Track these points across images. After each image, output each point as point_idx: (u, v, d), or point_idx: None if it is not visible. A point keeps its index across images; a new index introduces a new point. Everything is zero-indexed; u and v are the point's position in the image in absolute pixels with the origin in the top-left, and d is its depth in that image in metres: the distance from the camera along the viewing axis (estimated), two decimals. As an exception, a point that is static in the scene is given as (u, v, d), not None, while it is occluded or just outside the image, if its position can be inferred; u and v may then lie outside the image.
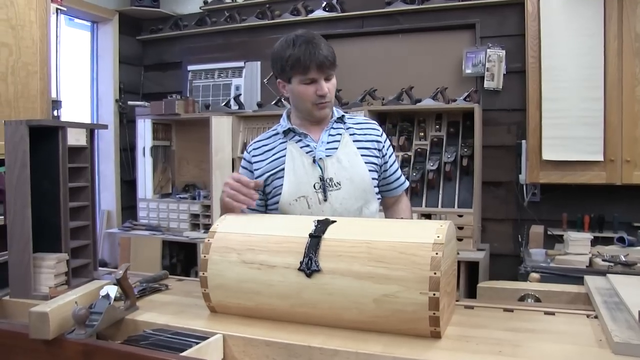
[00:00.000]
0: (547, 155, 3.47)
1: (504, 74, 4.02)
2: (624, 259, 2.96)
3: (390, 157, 2.02)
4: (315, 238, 1.45)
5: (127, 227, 4.68)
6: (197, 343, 1.31)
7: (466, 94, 3.95)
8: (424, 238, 1.36)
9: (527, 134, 3.59)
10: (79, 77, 5.00)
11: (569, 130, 3.42)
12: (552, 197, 3.86)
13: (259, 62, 4.73)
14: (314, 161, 1.84)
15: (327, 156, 1.85)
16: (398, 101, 4.12)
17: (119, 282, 1.53)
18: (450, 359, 1.25)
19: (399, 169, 2.08)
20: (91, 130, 2.04)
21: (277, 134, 1.93)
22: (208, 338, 1.35)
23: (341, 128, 1.93)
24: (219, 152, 4.39)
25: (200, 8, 5.05)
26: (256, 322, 1.49)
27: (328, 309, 1.41)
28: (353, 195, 1.85)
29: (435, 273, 1.29)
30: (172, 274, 2.16)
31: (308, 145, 1.87)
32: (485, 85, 4.05)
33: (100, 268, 2.13)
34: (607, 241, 3.47)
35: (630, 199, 3.65)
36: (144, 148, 4.74)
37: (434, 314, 1.29)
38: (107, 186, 5.08)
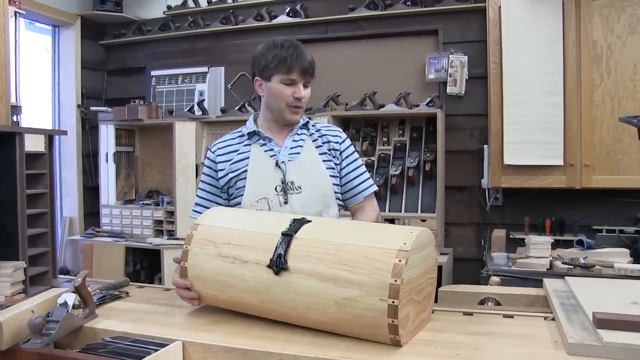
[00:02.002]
0: (508, 159, 3.52)
1: (466, 80, 4.07)
2: (582, 262, 3.02)
3: (351, 162, 2.02)
4: (287, 236, 1.48)
5: (90, 234, 4.59)
6: (156, 350, 1.29)
7: (429, 99, 3.99)
8: (390, 244, 1.35)
9: (489, 138, 3.64)
10: (39, 82, 4.89)
11: (530, 135, 3.47)
12: (514, 201, 3.93)
13: (222, 68, 4.71)
14: (277, 164, 1.89)
15: (289, 160, 1.90)
16: (361, 106, 4.13)
17: (77, 290, 1.50)
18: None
19: (364, 174, 2.06)
20: (50, 136, 2.00)
21: (242, 135, 1.96)
22: (167, 345, 1.33)
23: (304, 134, 1.97)
24: (183, 157, 4.35)
25: (164, 13, 5.00)
26: (216, 329, 1.48)
27: (294, 307, 1.42)
28: (313, 199, 1.90)
29: (395, 280, 1.29)
30: (136, 280, 2.14)
31: (272, 150, 1.91)
32: (447, 91, 4.10)
33: (61, 276, 2.09)
34: (568, 244, 3.53)
35: (589, 202, 3.73)
36: (106, 154, 4.66)
37: (393, 321, 1.29)
38: (69, 192, 4.97)
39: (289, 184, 1.88)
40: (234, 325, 1.52)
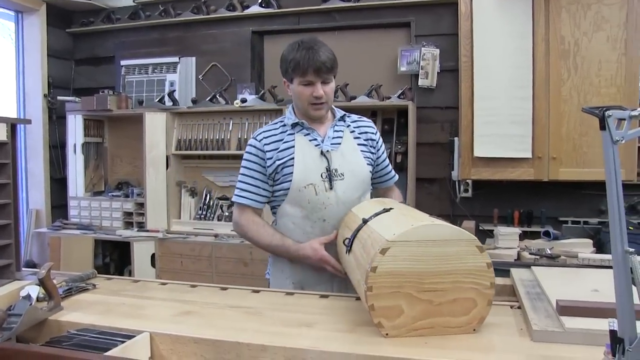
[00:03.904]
0: (478, 152, 3.56)
1: (437, 72, 4.10)
2: (548, 252, 3.08)
3: (382, 152, 2.19)
4: (363, 223, 1.64)
5: (57, 226, 4.51)
6: (123, 342, 1.28)
7: (400, 91, 4.01)
8: (389, 233, 1.36)
9: (460, 131, 3.67)
10: (2, 70, 4.76)
11: (500, 128, 3.52)
12: (484, 193, 3.98)
13: (194, 58, 4.65)
14: (322, 153, 1.99)
15: (332, 149, 2.01)
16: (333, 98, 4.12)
17: (41, 282, 1.47)
18: (375, 351, 1.26)
19: (389, 163, 2.25)
20: (13, 125, 1.94)
21: (284, 125, 2.06)
22: (134, 337, 1.32)
23: (342, 126, 2.09)
24: (153, 149, 4.30)
25: (133, 1, 4.91)
26: (185, 320, 1.47)
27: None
28: (354, 186, 2.03)
29: (370, 269, 1.31)
30: (106, 273, 2.11)
31: (315, 139, 2.01)
32: (419, 83, 4.12)
33: (26, 269, 2.04)
34: (535, 235, 3.60)
35: (556, 194, 3.80)
36: (74, 145, 4.57)
37: (369, 308, 1.32)
38: (35, 184, 4.87)
39: (334, 171, 1.99)
40: (203, 316, 1.52)
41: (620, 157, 3.17)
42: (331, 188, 1.98)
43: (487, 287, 1.35)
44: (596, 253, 3.09)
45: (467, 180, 3.86)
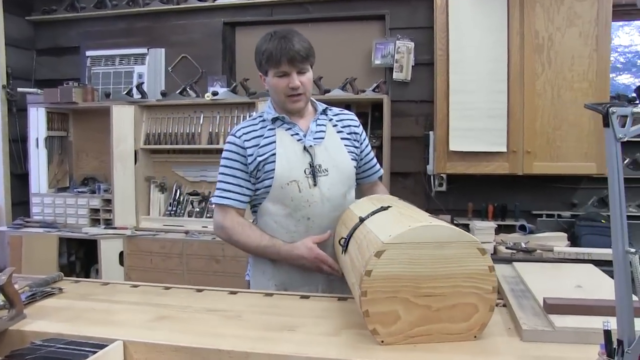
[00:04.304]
0: (454, 146, 3.54)
1: (412, 66, 4.07)
2: (524, 246, 3.09)
3: (366, 145, 2.13)
4: (361, 221, 1.57)
5: (18, 224, 4.33)
6: (94, 352, 1.19)
7: (375, 84, 3.96)
8: (385, 234, 1.29)
9: (435, 125, 3.65)
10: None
11: (475, 122, 3.50)
12: (458, 187, 3.96)
13: (163, 49, 4.52)
14: (304, 148, 1.93)
15: (315, 144, 1.95)
16: (307, 94, 4.06)
17: (2, 289, 1.37)
18: (363, 356, 1.21)
19: (374, 157, 2.19)
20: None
21: (264, 120, 1.98)
22: (106, 346, 1.23)
23: (325, 120, 2.02)
24: (121, 143, 4.16)
25: (99, -11, 4.75)
26: (161, 325, 1.40)
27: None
28: (339, 182, 1.97)
29: (365, 273, 1.25)
30: (71, 273, 2.00)
31: (297, 134, 1.95)
32: (394, 77, 4.08)
33: (-17, 271, 1.93)
34: (510, 229, 3.61)
35: (530, 188, 3.81)
36: (37, 139, 4.40)
37: (364, 313, 1.26)
38: (-6, 180, 4.68)
39: (317, 167, 1.93)
40: (180, 321, 1.44)
41: (593, 151, 3.23)
42: (315, 184, 1.92)
43: (488, 292, 1.28)
44: (571, 246, 3.11)
45: (442, 175, 3.84)
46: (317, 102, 2.06)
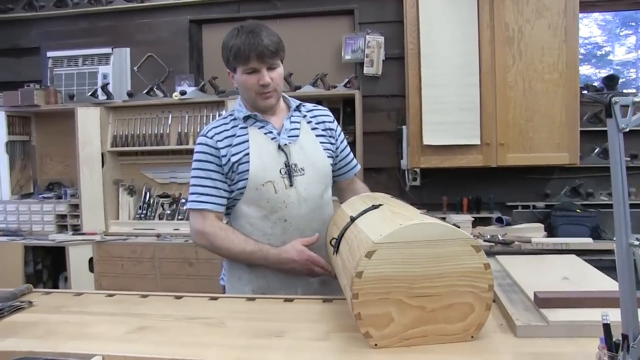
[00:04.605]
0: (427, 140, 3.53)
1: (383, 60, 4.04)
2: (502, 238, 3.09)
3: (342, 141, 2.07)
4: (351, 221, 1.52)
5: (-20, 234, 4.17)
6: (72, 369, 1.12)
7: (347, 80, 3.93)
8: (376, 234, 1.24)
9: (408, 119, 3.63)
10: None
11: (448, 116, 3.50)
12: (432, 181, 3.96)
13: (128, 49, 4.40)
14: (279, 147, 1.86)
15: (290, 143, 1.88)
16: (280, 91, 4.00)
17: (-32, 305, 1.28)
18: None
19: (351, 152, 2.12)
20: None
21: (235, 119, 1.90)
22: (84, 362, 1.16)
23: (299, 116, 1.96)
24: (87, 146, 4.04)
25: (58, -12, 4.60)
26: (141, 337, 1.33)
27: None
28: (316, 181, 1.90)
29: (355, 274, 1.20)
30: (38, 282, 1.90)
31: (271, 132, 1.88)
32: (364, 72, 4.05)
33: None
34: (486, 221, 3.62)
35: (504, 179, 3.83)
36: (-3, 144, 4.25)
37: (356, 316, 1.21)
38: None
39: (293, 166, 1.86)
40: (161, 331, 1.37)
41: (564, 142, 3.24)
42: (291, 185, 1.85)
43: (485, 290, 1.24)
44: (548, 237, 3.13)
45: (416, 169, 3.83)
46: (290, 98, 2.00)
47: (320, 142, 1.95)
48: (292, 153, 1.87)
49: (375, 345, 1.21)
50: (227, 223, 1.95)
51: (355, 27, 4.14)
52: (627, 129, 0.90)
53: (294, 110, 1.95)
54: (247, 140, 1.85)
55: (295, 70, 4.01)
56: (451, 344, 1.23)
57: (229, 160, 1.84)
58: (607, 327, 0.99)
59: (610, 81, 3.80)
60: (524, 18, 3.45)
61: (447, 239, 1.22)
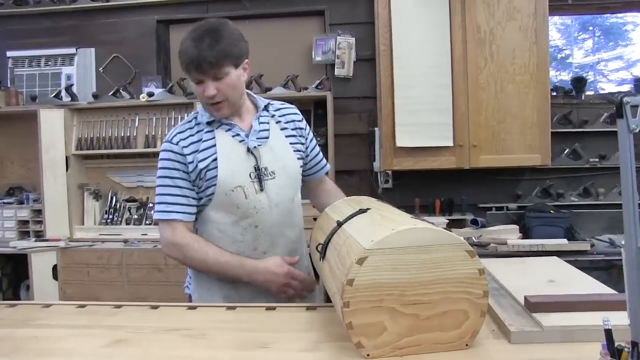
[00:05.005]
0: (400, 142, 3.50)
1: (353, 62, 4.01)
2: (477, 240, 3.09)
3: (311, 140, 2.00)
4: (338, 226, 1.46)
5: None
6: (46, 390, 1.04)
7: (318, 81, 3.89)
8: (367, 240, 1.19)
9: (381, 121, 3.60)
10: None
11: (421, 117, 3.48)
12: (404, 183, 3.94)
13: (92, 49, 4.27)
14: (248, 150, 1.77)
15: (259, 145, 1.79)
16: (247, 90, 3.93)
17: None
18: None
19: (320, 151, 2.06)
20: None
21: (199, 124, 1.80)
22: (59, 381, 1.09)
23: (267, 117, 1.87)
24: (50, 149, 3.89)
25: (18, -15, 4.43)
26: (118, 351, 1.26)
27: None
28: (287, 184, 1.84)
29: (346, 281, 1.15)
30: (-3, 290, 1.79)
31: (239, 134, 1.78)
32: (335, 73, 4.02)
33: None
34: (459, 223, 3.62)
35: (475, 181, 3.84)
36: (-46, 147, 4.07)
37: (347, 325, 1.16)
38: None
39: (263, 170, 1.78)
40: (139, 345, 1.30)
41: (536, 143, 3.26)
42: (262, 189, 1.77)
43: (479, 297, 1.21)
44: (523, 239, 3.14)
45: (388, 171, 3.81)
46: (257, 97, 1.90)
47: (291, 143, 1.87)
48: (262, 156, 1.78)
49: (368, 355, 1.17)
50: (193, 230, 1.85)
51: (326, 28, 4.10)
52: (637, 130, 0.87)
53: (262, 110, 1.85)
54: (214, 145, 1.76)
55: (265, 72, 3.96)
56: (446, 353, 1.19)
57: (196, 167, 1.75)
58: (608, 333, 0.96)
59: (578, 83, 3.87)
60: (495, 20, 3.47)
61: (441, 243, 1.19)
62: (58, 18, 4.35)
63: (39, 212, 3.95)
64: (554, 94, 3.74)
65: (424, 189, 3.91)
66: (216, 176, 1.73)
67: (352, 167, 4.07)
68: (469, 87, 3.48)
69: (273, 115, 1.88)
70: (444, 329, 1.20)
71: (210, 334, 1.37)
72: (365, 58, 4.00)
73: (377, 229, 1.25)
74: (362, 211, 1.50)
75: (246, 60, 1.79)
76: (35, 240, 3.88)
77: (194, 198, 1.78)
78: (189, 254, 1.75)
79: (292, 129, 1.90)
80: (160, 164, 1.79)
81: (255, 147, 1.77)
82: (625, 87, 4.96)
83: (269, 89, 3.90)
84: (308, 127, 1.98)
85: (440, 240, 1.19)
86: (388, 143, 3.56)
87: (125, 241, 3.85)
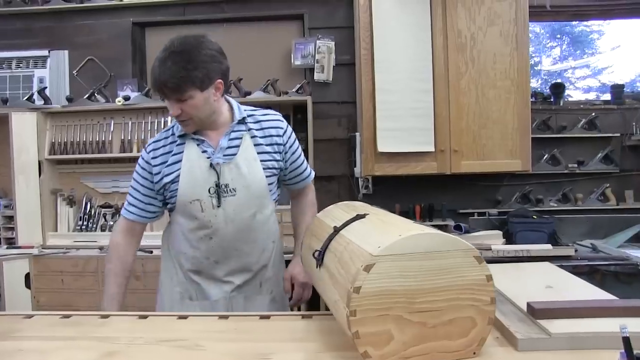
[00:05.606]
0: (382, 147, 3.47)
1: (333, 66, 3.99)
2: (460, 246, 3.07)
3: (294, 152, 1.98)
4: (335, 232, 1.43)
5: None
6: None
7: (298, 85, 3.85)
8: (373, 246, 1.15)
9: (361, 126, 3.57)
10: None
11: (403, 122, 3.46)
12: (384, 189, 3.92)
13: (66, 51, 4.15)
14: (211, 165, 1.80)
15: (224, 162, 1.81)
16: (226, 94, 3.87)
17: None
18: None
19: (304, 161, 2.07)
20: None
21: (173, 135, 1.86)
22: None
23: (242, 130, 1.86)
24: (23, 153, 3.77)
25: (-11, -15, 4.30)
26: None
27: (326, 299, 1.39)
28: (247, 203, 1.84)
29: (352, 288, 1.11)
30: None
31: (206, 151, 1.82)
32: (315, 77, 3.99)
33: None
34: (440, 229, 3.59)
35: (455, 187, 3.84)
36: None
37: (353, 335, 1.12)
38: None
39: (223, 187, 1.81)
40: (133, 357, 1.24)
41: (517, 148, 3.27)
42: (219, 205, 1.81)
43: (487, 304, 1.18)
44: (507, 244, 3.14)
45: (367, 177, 3.78)
46: (238, 107, 1.89)
47: (261, 161, 1.86)
48: (224, 173, 1.81)
49: None
50: (168, 222, 1.99)
51: (305, 32, 4.07)
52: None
53: (237, 124, 1.85)
54: (181, 160, 1.82)
55: (244, 75, 3.91)
56: (451, 360, 1.16)
57: (161, 179, 1.84)
58: (627, 341, 0.95)
59: (557, 89, 3.92)
60: (476, 25, 3.48)
61: (450, 249, 1.16)
62: (30, 19, 4.22)
63: (10, 218, 3.84)
64: (533, 99, 3.77)
65: (403, 194, 3.90)
66: (178, 189, 1.81)
67: (332, 173, 4.04)
68: (450, 92, 3.47)
69: (250, 129, 1.86)
70: (451, 337, 1.17)
71: (205, 344, 1.32)
72: (344, 62, 3.99)
73: (381, 235, 1.21)
74: (359, 217, 1.46)
75: (218, 80, 1.76)
76: (7, 248, 3.75)
77: (154, 204, 1.91)
78: (109, 251, 1.94)
79: (268, 145, 1.88)
80: (136, 166, 1.92)
81: (218, 163, 1.80)
82: (592, 95, 5.07)
83: (249, 93, 3.84)
84: (292, 136, 1.97)
85: (449, 245, 1.16)
86: (369, 148, 3.53)
87: (101, 248, 3.74)
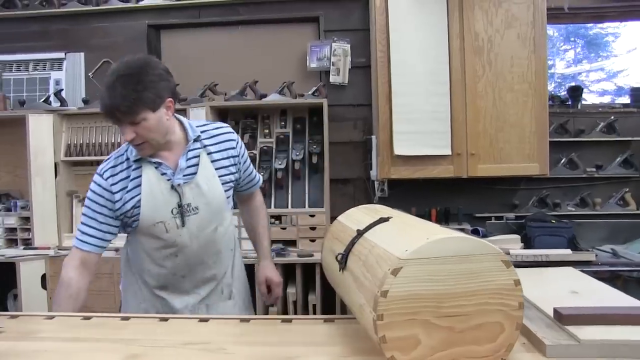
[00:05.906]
0: (398, 150, 3.45)
1: (349, 69, 3.98)
2: (478, 250, 3.05)
3: (246, 160, 2.03)
4: (358, 235, 1.41)
5: None
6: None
7: (315, 88, 3.85)
8: (400, 250, 1.13)
9: (378, 129, 3.55)
10: None
11: (419, 125, 3.44)
12: (400, 192, 3.89)
13: (82, 54, 4.18)
14: (172, 187, 1.80)
15: (185, 182, 1.82)
16: (242, 96, 3.89)
17: None
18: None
19: (253, 168, 2.11)
20: None
21: (128, 159, 1.82)
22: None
23: (198, 148, 1.86)
24: (39, 155, 3.80)
25: (6, -12, 4.32)
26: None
27: (350, 304, 1.38)
28: (209, 218, 1.87)
29: (379, 292, 1.09)
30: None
31: (165, 173, 1.80)
32: (331, 80, 3.98)
33: None
34: (458, 233, 3.58)
35: (472, 190, 3.82)
36: (-62, 153, 3.94)
37: (379, 339, 1.10)
38: None
39: (186, 206, 1.81)
40: (158, 359, 1.23)
41: (535, 152, 3.24)
42: (183, 225, 1.82)
43: (515, 309, 1.15)
44: (525, 248, 3.11)
45: (383, 180, 3.76)
46: (189, 125, 1.87)
47: (220, 176, 1.89)
48: (185, 193, 1.81)
49: None
50: (126, 242, 1.98)
51: (321, 34, 4.06)
52: None
53: (193, 142, 1.85)
54: (140, 185, 1.79)
55: (259, 78, 3.92)
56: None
57: (123, 205, 1.79)
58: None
59: (575, 92, 3.88)
60: (494, 28, 3.46)
61: (478, 253, 1.14)
62: (47, 22, 4.25)
63: (27, 219, 3.86)
64: (550, 103, 3.74)
65: (419, 198, 3.88)
66: (140, 213, 1.79)
67: (347, 176, 4.03)
68: (467, 95, 3.46)
69: (205, 146, 1.87)
70: (478, 342, 1.15)
71: (230, 348, 1.30)
72: (359, 65, 3.98)
73: (407, 238, 1.19)
74: (383, 220, 1.45)
75: (169, 99, 1.75)
76: (24, 249, 3.79)
77: (111, 232, 1.84)
78: (59, 289, 1.81)
79: (225, 158, 1.91)
80: (88, 193, 1.84)
81: (179, 184, 1.80)
82: (607, 98, 5.02)
83: (264, 96, 3.85)
84: (243, 146, 2.01)
85: (477, 249, 1.14)
86: (385, 151, 3.52)
87: (117, 250, 3.74)
